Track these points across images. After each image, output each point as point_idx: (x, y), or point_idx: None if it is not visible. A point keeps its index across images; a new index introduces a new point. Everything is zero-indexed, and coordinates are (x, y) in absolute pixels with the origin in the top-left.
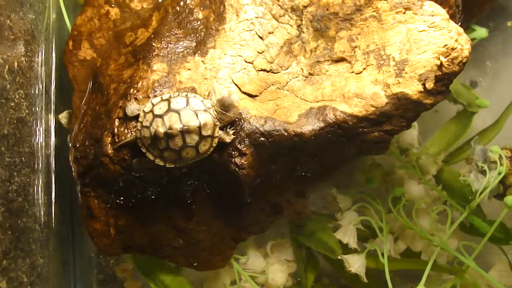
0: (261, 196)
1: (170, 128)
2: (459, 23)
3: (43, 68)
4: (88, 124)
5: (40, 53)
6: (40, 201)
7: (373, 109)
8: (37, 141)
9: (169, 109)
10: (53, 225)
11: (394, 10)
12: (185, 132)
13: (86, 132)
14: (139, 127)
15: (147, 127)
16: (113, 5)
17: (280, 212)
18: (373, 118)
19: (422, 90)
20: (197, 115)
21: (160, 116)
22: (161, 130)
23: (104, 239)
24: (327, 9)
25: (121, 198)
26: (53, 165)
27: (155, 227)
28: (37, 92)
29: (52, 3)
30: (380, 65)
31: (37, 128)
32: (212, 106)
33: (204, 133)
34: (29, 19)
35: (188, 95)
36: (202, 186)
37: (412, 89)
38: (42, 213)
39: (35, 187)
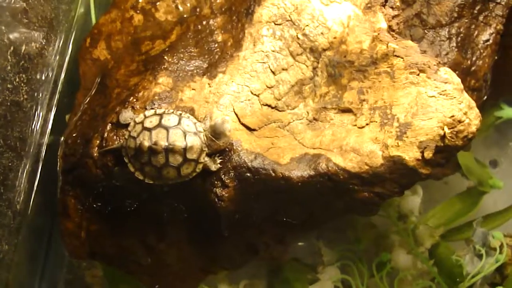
0: (238, 232)
1: (155, 143)
2: (485, 97)
3: (57, 58)
4: (85, 123)
5: (56, 43)
6: (19, 187)
7: (367, 167)
8: (32, 127)
9: (159, 125)
10: (29, 214)
11: (408, 70)
12: (169, 151)
13: (81, 130)
14: (126, 136)
15: (134, 138)
16: (138, 11)
17: (255, 253)
18: (365, 177)
19: (420, 158)
20: (185, 136)
21: (149, 130)
22: (146, 143)
23: (73, 240)
24: (345, 56)
25: (98, 203)
26: (42, 155)
27: (126, 240)
28: (43, 79)
29: None
30: (383, 123)
31: (35, 114)
32: (204, 131)
33: (188, 156)
34: (50, 7)
35: (182, 115)
36: (180, 208)
37: (410, 155)
38: (20, 200)
39: (18, 173)
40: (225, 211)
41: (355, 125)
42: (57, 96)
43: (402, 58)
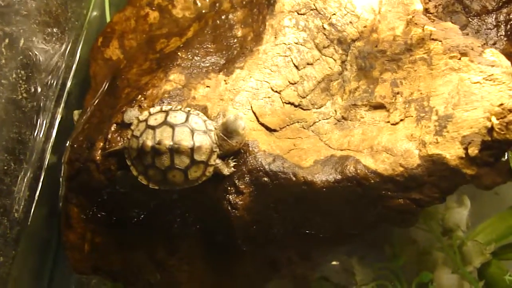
0: (257, 246)
1: (159, 143)
2: None
3: (65, 58)
4: (92, 126)
5: (64, 42)
6: (18, 194)
7: (401, 169)
8: (34, 130)
9: (164, 122)
10: (30, 225)
11: (448, 54)
12: (174, 151)
13: (88, 134)
14: (129, 136)
15: (137, 138)
16: (154, 8)
17: (276, 270)
18: (400, 180)
19: (463, 156)
20: (193, 135)
21: (153, 128)
22: (149, 143)
23: (76, 253)
24: (376, 46)
25: (102, 213)
26: (46, 161)
27: (134, 254)
28: (48, 78)
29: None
30: (420, 118)
31: (38, 117)
32: (215, 129)
33: (196, 157)
34: (55, 2)
35: (190, 111)
36: (193, 219)
37: (451, 152)
38: (19, 209)
39: (16, 178)
40: (240, 222)
41: (388, 122)
42: (64, 98)
43: (441, 41)
